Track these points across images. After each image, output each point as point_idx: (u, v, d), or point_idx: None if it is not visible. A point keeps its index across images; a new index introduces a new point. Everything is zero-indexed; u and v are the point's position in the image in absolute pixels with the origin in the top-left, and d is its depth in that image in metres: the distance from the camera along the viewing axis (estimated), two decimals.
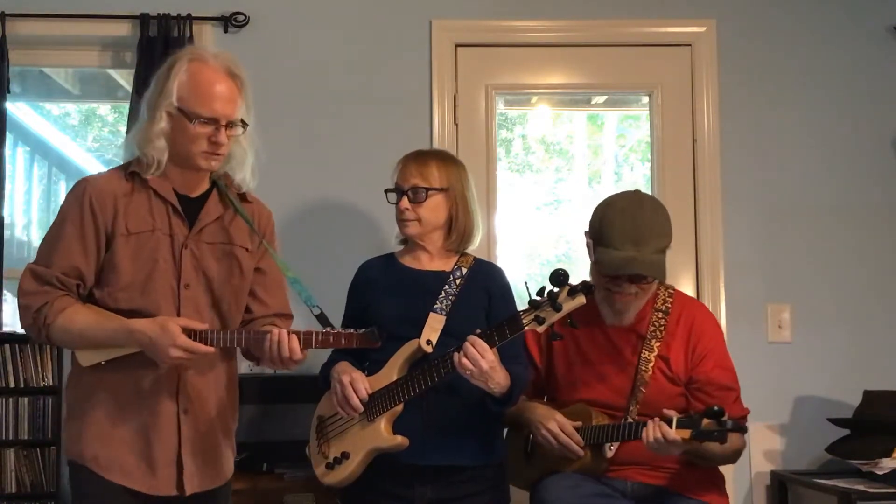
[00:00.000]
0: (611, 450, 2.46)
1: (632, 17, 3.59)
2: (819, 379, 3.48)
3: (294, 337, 2.13)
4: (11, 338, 3.26)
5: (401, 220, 2.51)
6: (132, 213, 2.21)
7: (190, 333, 2.12)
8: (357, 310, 2.54)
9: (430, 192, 2.49)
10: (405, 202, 2.49)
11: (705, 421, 2.23)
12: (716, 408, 2.23)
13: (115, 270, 2.18)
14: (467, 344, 2.22)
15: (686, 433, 2.24)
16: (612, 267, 2.44)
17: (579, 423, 2.46)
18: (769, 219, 3.54)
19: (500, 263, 3.53)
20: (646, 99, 3.71)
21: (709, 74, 3.56)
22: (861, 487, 3.00)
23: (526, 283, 2.22)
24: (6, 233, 3.41)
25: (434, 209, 2.51)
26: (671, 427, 2.25)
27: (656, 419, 2.29)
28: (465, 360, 2.22)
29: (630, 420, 2.45)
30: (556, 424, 2.44)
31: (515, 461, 2.65)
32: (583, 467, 2.46)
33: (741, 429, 2.27)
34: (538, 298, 2.16)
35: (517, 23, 3.57)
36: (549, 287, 2.15)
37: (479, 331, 2.25)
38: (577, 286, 2.13)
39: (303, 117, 3.49)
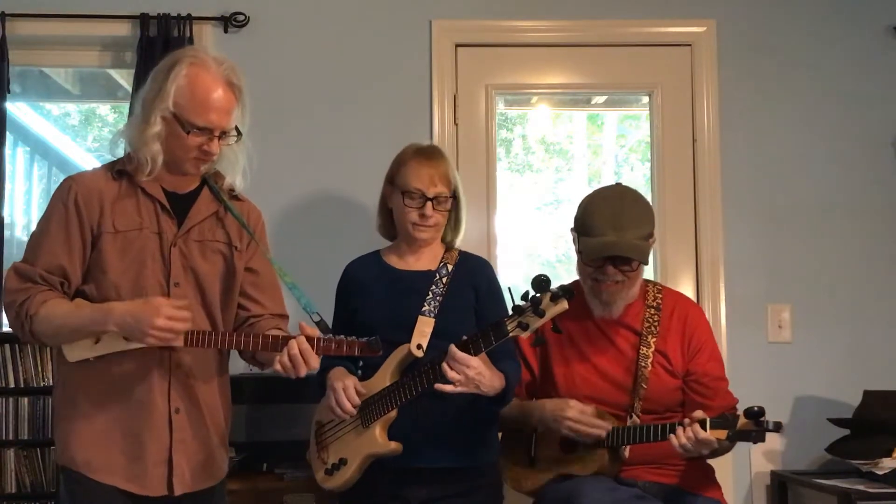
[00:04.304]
0: (625, 451, 2.46)
1: (632, 17, 3.58)
2: (819, 379, 3.48)
3: (307, 345, 2.10)
4: (11, 338, 3.25)
5: (418, 226, 2.48)
6: (119, 211, 2.20)
7: (199, 333, 2.12)
8: (346, 313, 2.53)
9: (452, 200, 2.50)
10: (430, 209, 2.46)
11: (742, 421, 2.23)
12: (755, 408, 2.23)
13: (102, 269, 2.18)
14: (448, 359, 2.21)
15: (722, 434, 2.24)
16: (593, 251, 2.46)
17: (594, 407, 2.45)
18: (769, 219, 3.54)
19: (500, 263, 3.56)
20: (646, 99, 3.71)
21: (709, 74, 3.56)
22: (861, 487, 3.00)
23: (510, 288, 2.19)
24: (6, 233, 3.41)
25: (447, 212, 2.52)
26: (705, 428, 2.25)
27: (686, 421, 2.29)
28: (451, 374, 2.21)
29: (636, 417, 2.46)
30: (574, 411, 2.42)
31: (516, 467, 2.64)
32: (600, 469, 2.45)
33: (780, 428, 2.24)
34: (521, 304, 2.15)
35: (517, 23, 3.57)
36: (532, 292, 2.14)
37: (465, 337, 2.24)
38: (558, 291, 2.12)
39: (302, 117, 3.49)
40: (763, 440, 2.25)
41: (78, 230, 2.18)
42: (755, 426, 2.22)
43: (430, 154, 2.55)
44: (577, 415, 2.42)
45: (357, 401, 2.33)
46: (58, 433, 2.24)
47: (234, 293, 2.32)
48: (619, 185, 2.64)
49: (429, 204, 2.46)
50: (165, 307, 2.06)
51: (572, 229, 2.61)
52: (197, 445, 2.23)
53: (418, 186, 2.47)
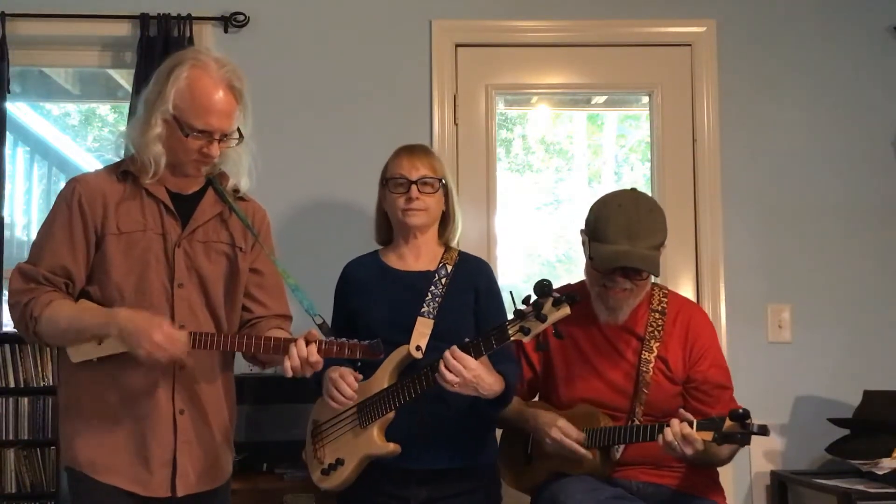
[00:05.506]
0: (618, 451, 2.45)
1: (632, 17, 3.59)
2: (819, 379, 3.48)
3: (314, 346, 2.11)
4: (11, 338, 3.26)
5: (407, 210, 2.48)
6: (123, 212, 2.20)
7: (204, 336, 2.12)
8: (346, 314, 2.53)
9: (438, 183, 2.51)
10: (415, 192, 2.47)
11: (728, 423, 2.21)
12: (741, 410, 2.20)
13: (106, 270, 2.18)
14: (447, 357, 2.21)
15: (708, 435, 2.22)
16: (606, 260, 2.44)
17: (583, 435, 2.43)
18: (769, 219, 3.55)
19: (500, 263, 3.56)
20: (646, 99, 3.71)
21: (709, 74, 3.57)
22: (861, 487, 3.01)
23: (511, 293, 2.19)
24: (6, 233, 3.41)
25: (439, 201, 2.53)
26: (691, 429, 2.23)
27: (674, 420, 2.27)
28: (448, 375, 2.21)
29: (637, 422, 2.45)
30: (558, 432, 2.42)
31: (514, 464, 2.64)
32: (591, 469, 2.44)
33: (765, 432, 2.21)
34: (523, 308, 2.15)
35: (517, 23, 3.57)
36: (533, 297, 2.13)
37: (467, 340, 2.24)
38: (561, 297, 2.11)
39: (302, 117, 3.49)
40: (748, 443, 2.22)
41: (82, 231, 2.18)
42: (740, 428, 2.20)
43: (412, 147, 2.59)
44: (559, 437, 2.42)
45: (356, 386, 2.32)
46: (62, 434, 2.24)
47: (239, 294, 2.32)
48: (633, 190, 2.57)
49: (413, 187, 2.48)
50: (166, 325, 2.08)
51: (583, 232, 2.58)
52: (201, 447, 2.23)
53: (401, 172, 2.50)
